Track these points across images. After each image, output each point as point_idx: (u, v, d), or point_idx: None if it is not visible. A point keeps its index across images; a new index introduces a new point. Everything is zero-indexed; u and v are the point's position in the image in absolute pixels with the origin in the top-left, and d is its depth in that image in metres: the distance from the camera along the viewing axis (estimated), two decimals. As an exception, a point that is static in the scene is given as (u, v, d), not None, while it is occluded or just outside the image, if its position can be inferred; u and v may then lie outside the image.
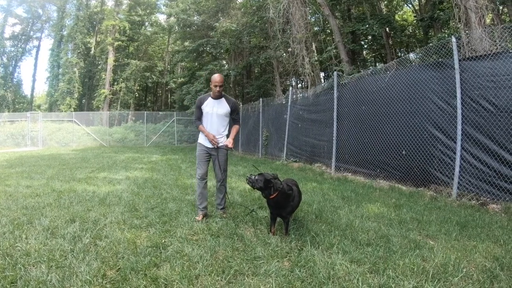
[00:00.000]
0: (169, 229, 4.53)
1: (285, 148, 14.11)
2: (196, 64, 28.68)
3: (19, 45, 45.85)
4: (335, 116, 10.56)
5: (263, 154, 16.61)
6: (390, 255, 3.66)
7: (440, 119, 7.21)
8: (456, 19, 9.07)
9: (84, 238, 4.09)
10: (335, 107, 10.61)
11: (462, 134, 6.66)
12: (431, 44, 9.13)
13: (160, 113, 36.76)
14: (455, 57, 6.84)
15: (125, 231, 4.39)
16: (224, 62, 26.46)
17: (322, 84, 12.67)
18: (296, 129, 13.49)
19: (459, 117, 6.69)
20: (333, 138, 10.57)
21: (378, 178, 8.81)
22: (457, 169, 6.71)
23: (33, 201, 6.18)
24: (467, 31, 8.38)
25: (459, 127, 6.69)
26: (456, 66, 6.79)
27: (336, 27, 16.67)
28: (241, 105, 25.84)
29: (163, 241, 4.07)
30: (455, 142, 6.80)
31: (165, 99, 49.82)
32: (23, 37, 46.09)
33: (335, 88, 10.64)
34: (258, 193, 7.03)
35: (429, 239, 4.27)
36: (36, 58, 48.21)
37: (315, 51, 17.50)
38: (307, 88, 15.95)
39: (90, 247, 3.85)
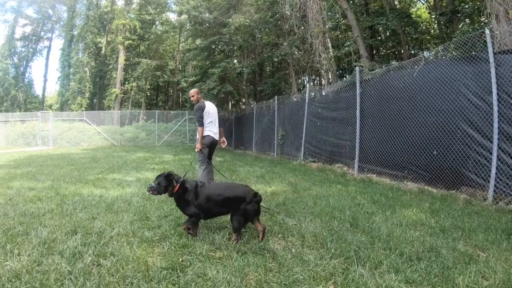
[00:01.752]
0: (187, 243, 3.84)
1: (302, 148, 13.40)
2: (208, 62, 28.12)
3: (30, 46, 46.23)
4: (358, 114, 9.85)
5: (278, 154, 15.91)
6: (445, 272, 3.16)
7: (474, 116, 6.58)
8: (486, 12, 8.40)
9: (85, 255, 3.43)
10: (358, 104, 9.90)
11: (498, 133, 6.06)
12: (455, 38, 8.44)
13: (172, 112, 36.29)
14: (490, 50, 6.26)
15: (135, 246, 3.71)
16: (236, 61, 25.80)
17: (344, 80, 11.93)
18: (314, 127, 12.77)
19: (495, 114, 6.09)
20: (356, 137, 9.85)
21: (405, 180, 8.11)
22: (493, 170, 6.08)
23: (33, 207, 5.60)
24: (497, 24, 7.71)
25: (495, 125, 6.08)
26: (491, 59, 6.20)
27: (354, 21, 15.96)
28: (254, 104, 25.37)
29: (180, 260, 3.38)
30: (491, 142, 6.20)
31: (177, 98, 49.51)
32: (34, 37, 46.37)
33: (357, 84, 9.95)
34: (282, 197, 6.41)
35: (479, 251, 3.78)
36: (47, 58, 48.20)
37: (329, 47, 16.73)
38: (323, 85, 15.33)
39: (92, 268, 3.18)
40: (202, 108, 6.68)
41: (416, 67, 8.37)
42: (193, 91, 7.01)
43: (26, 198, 6.35)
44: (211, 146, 6.89)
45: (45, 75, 48.48)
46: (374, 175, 9.14)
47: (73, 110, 34.68)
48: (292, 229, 4.46)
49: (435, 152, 7.36)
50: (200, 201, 4.12)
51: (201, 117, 6.64)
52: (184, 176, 4.44)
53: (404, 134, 8.19)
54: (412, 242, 3.93)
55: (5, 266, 3.19)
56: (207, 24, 26.50)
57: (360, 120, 9.82)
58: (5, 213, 5.22)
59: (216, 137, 6.93)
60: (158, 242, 3.89)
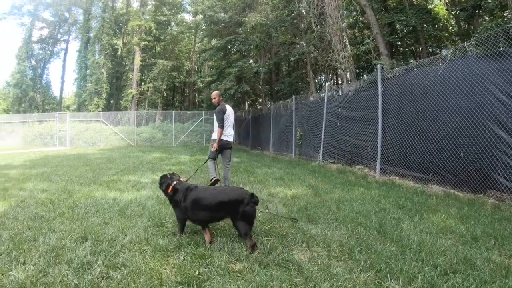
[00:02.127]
0: (204, 253, 3.54)
1: (321, 148, 13.01)
2: (224, 62, 27.94)
3: (47, 48, 47.10)
4: (379, 113, 9.41)
5: (296, 155, 15.54)
6: (484, 287, 2.90)
7: (504, 116, 6.11)
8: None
9: (95, 265, 3.15)
10: (379, 103, 9.46)
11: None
12: (478, 34, 7.97)
13: (188, 112, 36.14)
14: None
15: (148, 256, 3.42)
16: (251, 61, 25.51)
17: (364, 78, 11.52)
18: (334, 127, 12.37)
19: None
20: (378, 137, 9.40)
21: (430, 182, 7.67)
22: (524, 173, 5.62)
23: (44, 210, 5.41)
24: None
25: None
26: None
27: (374, 18, 15.48)
28: (270, 104, 25.06)
29: (197, 272, 3.07)
30: (522, 143, 5.73)
31: (193, 98, 49.53)
32: (51, 40, 47.30)
33: (379, 83, 9.51)
34: (303, 202, 6.08)
35: (515, 262, 3.43)
36: (64, 60, 49.08)
37: (348, 45, 16.29)
38: (342, 84, 14.94)
39: (101, 281, 2.90)
40: (223, 111, 7.07)
41: (440, 64, 7.94)
42: (215, 93, 7.49)
43: (38, 200, 6.16)
44: (223, 148, 7.29)
45: (63, 76, 49.83)
46: (397, 178, 8.70)
47: (90, 111, 34.97)
48: (317, 237, 4.14)
49: (461, 154, 6.91)
50: (187, 205, 4.01)
51: (222, 119, 7.01)
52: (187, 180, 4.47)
53: (429, 135, 7.76)
54: (445, 252, 3.64)
55: (9, 276, 2.98)
56: (222, 24, 26.29)
57: (382, 120, 9.36)
58: (15, 216, 5.04)
59: (230, 139, 7.34)
60: (173, 252, 3.60)
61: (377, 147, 9.38)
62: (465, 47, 7.65)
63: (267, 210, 5.29)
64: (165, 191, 4.29)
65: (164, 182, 4.34)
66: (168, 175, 4.52)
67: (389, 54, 15.77)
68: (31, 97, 41.33)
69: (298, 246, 3.86)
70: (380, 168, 9.29)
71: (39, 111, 39.72)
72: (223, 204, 3.88)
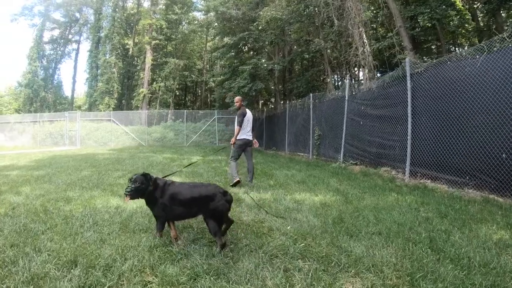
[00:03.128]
0: (225, 286, 2.72)
1: (342, 149, 12.15)
2: (236, 61, 27.27)
3: (58, 48, 47.57)
4: (409, 111, 8.53)
5: (314, 155, 14.71)
6: None
7: None
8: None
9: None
10: (409, 100, 8.58)
11: None
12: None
13: (200, 111, 35.56)
14: None
15: (153, 292, 2.61)
16: (264, 60, 24.76)
17: (390, 74, 10.61)
18: (356, 127, 11.50)
19: None
20: (408, 137, 8.52)
21: (465, 186, 6.85)
22: None
23: (36, 220, 4.65)
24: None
25: None
26: None
27: (397, 11, 14.62)
28: (283, 103, 24.28)
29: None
30: None
31: (205, 98, 49.19)
32: (62, 40, 47.68)
33: (407, 78, 8.63)
34: (335, 211, 5.23)
35: None
36: (75, 61, 49.66)
37: (369, 39, 15.41)
38: (364, 80, 14.09)
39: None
40: (244, 115, 8.00)
41: (478, 56, 7.05)
42: (237, 98, 8.49)
43: (30, 208, 5.41)
44: (244, 145, 8.04)
45: (74, 76, 49.88)
46: (429, 181, 7.83)
47: (101, 111, 34.72)
48: (364, 258, 3.32)
49: (504, 155, 6.11)
50: (165, 200, 3.77)
51: (242, 121, 7.94)
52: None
53: (466, 134, 6.90)
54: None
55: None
56: (235, 21, 25.58)
57: (412, 118, 8.50)
58: (0, 228, 4.31)
59: (250, 137, 8.13)
60: (186, 284, 2.78)
61: (407, 147, 8.52)
62: (505, 37, 6.80)
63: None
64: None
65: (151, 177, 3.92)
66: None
67: (413, 49, 14.86)
68: (43, 97, 41.47)
69: (344, 273, 3.07)
70: (410, 171, 8.41)
71: (50, 111, 39.72)
72: (195, 200, 3.67)
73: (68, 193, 6.69)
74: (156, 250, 3.49)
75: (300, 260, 3.30)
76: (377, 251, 3.51)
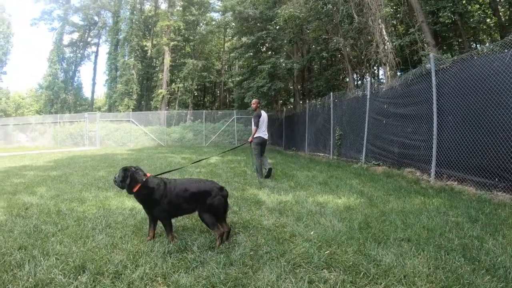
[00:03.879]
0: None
1: (364, 149, 11.76)
2: (255, 61, 27.08)
3: (77, 51, 49.11)
4: (434, 109, 8.08)
5: (335, 156, 14.35)
6: None
7: None
8: None
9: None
10: (434, 97, 8.13)
11: None
12: None
13: (219, 112, 35.56)
14: None
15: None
16: (282, 60, 24.50)
17: (414, 71, 10.18)
18: (378, 126, 11.10)
19: None
20: (433, 136, 8.07)
21: (494, 189, 6.40)
22: None
23: (47, 221, 4.53)
24: None
25: None
26: None
27: (418, 5, 14.11)
28: (302, 103, 23.95)
29: None
30: None
31: (224, 99, 49.26)
32: (81, 43, 49.23)
33: (432, 75, 8.19)
34: (361, 215, 4.93)
35: None
36: (95, 63, 50.90)
37: (387, 38, 14.94)
38: (387, 78, 13.68)
39: None
40: (260, 116, 8.87)
41: (506, 51, 6.62)
42: (254, 100, 9.55)
43: (43, 208, 5.31)
44: (262, 144, 9.02)
45: (94, 78, 50.85)
46: (455, 183, 7.39)
47: (120, 111, 35.09)
48: (394, 268, 3.02)
49: None
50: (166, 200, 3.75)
51: (258, 122, 8.84)
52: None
53: (495, 133, 6.44)
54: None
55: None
56: (252, 20, 25.41)
57: (438, 116, 8.06)
58: (11, 229, 4.21)
59: (266, 136, 9.15)
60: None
61: (432, 147, 8.08)
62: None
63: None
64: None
65: (132, 175, 3.75)
66: (134, 167, 3.88)
67: (435, 45, 14.35)
68: (63, 98, 42.47)
69: (374, 285, 2.77)
70: (436, 172, 8.00)
71: (71, 112, 40.53)
72: (193, 195, 3.75)
73: (83, 193, 6.58)
74: (170, 257, 3.26)
75: (325, 270, 3.03)
76: (407, 260, 3.21)
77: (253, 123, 9.11)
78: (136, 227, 4.28)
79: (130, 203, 5.60)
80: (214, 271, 2.94)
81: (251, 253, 3.40)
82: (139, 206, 5.32)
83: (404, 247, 3.56)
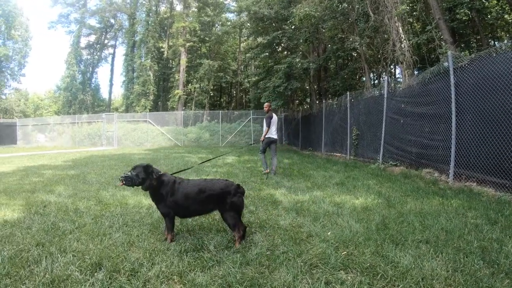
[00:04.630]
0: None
1: (381, 149, 11.60)
2: (271, 61, 27.05)
3: (94, 53, 50.39)
4: (453, 108, 7.88)
5: (351, 156, 14.21)
6: None
7: None
8: None
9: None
10: (452, 96, 7.93)
11: None
12: None
13: (236, 112, 35.62)
14: None
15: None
16: (298, 60, 24.39)
17: (430, 69, 9.97)
18: (396, 126, 10.93)
19: None
20: (452, 136, 7.86)
21: None
22: None
23: (65, 219, 4.58)
24: None
25: None
26: None
27: (434, 2, 13.80)
28: (318, 103, 23.80)
29: None
30: None
31: (240, 99, 49.35)
32: (98, 45, 50.44)
33: (451, 73, 7.99)
34: (378, 215, 4.84)
35: None
36: (112, 64, 51.68)
37: (404, 36, 14.68)
38: (404, 76, 13.47)
39: None
40: (271, 118, 9.86)
41: None
42: (266, 104, 10.30)
43: (61, 206, 5.39)
44: (269, 142, 9.90)
45: (111, 79, 51.53)
46: (474, 184, 7.20)
47: (137, 112, 35.53)
48: (412, 271, 2.95)
49: None
50: (176, 198, 3.72)
51: (269, 123, 9.82)
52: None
53: None
54: None
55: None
56: (268, 20, 25.37)
57: (456, 115, 7.84)
58: (29, 226, 4.27)
59: (275, 136, 9.98)
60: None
61: (451, 147, 7.87)
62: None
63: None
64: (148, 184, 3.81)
65: (154, 170, 3.85)
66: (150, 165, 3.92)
67: (453, 42, 14.04)
68: (81, 99, 43.47)
69: (392, 287, 2.70)
70: (454, 172, 7.80)
71: (88, 113, 41.24)
72: (211, 196, 3.71)
73: (101, 192, 6.65)
74: (186, 255, 3.25)
75: (342, 271, 2.97)
76: (425, 262, 3.14)
77: (264, 124, 10.11)
78: (153, 225, 4.30)
79: (147, 201, 5.61)
80: (230, 270, 2.91)
81: (267, 253, 3.37)
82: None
83: (422, 249, 3.49)
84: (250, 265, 3.03)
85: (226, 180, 3.95)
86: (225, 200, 3.62)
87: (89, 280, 2.72)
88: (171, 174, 4.02)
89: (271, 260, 3.17)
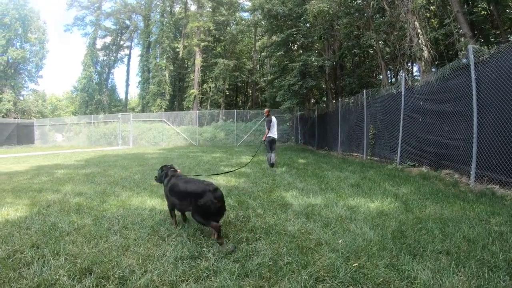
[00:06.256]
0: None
1: (399, 149, 11.19)
2: (286, 59, 26.77)
3: (111, 54, 51.32)
4: (474, 106, 7.42)
5: (368, 156, 13.83)
6: None
7: None
8: None
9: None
10: (473, 93, 7.47)
11: None
12: None
13: (251, 111, 35.41)
14: None
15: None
16: (313, 58, 24.07)
17: (449, 64, 9.52)
18: (414, 124, 10.49)
19: None
20: (473, 135, 7.40)
21: None
22: None
23: (65, 220, 4.49)
24: None
25: None
26: None
27: (453, -6, 13.30)
28: (334, 101, 23.45)
29: None
30: None
31: (256, 98, 49.19)
32: (114, 47, 51.31)
33: (471, 68, 7.51)
34: (395, 222, 4.54)
35: None
36: (128, 65, 52.87)
37: (421, 31, 14.20)
38: (421, 73, 13.06)
39: None
40: (270, 121, 11.29)
41: None
42: (266, 109, 11.96)
43: (64, 206, 5.31)
44: (271, 142, 11.28)
45: (127, 80, 52.69)
46: (497, 186, 6.77)
47: (153, 112, 35.78)
48: (429, 286, 2.69)
49: None
50: (167, 191, 4.29)
51: (269, 126, 11.30)
52: None
53: None
54: None
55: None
56: (282, 18, 25.10)
57: (478, 113, 7.38)
58: (28, 226, 4.22)
59: (274, 136, 11.38)
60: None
61: (472, 148, 7.41)
62: None
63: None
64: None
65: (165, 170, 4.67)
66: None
67: (472, 36, 13.49)
68: (98, 100, 44.23)
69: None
70: (476, 174, 7.38)
71: (105, 113, 41.82)
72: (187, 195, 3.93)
73: (107, 192, 6.57)
74: (182, 263, 3.04)
75: (351, 287, 2.71)
76: (446, 277, 2.85)
77: (266, 126, 11.60)
78: (152, 229, 4.11)
79: (151, 203, 5.48)
80: (227, 282, 2.69)
81: (270, 263, 3.11)
82: (159, 207, 5.19)
83: (442, 262, 3.19)
84: (249, 277, 2.79)
85: (208, 182, 3.98)
86: (196, 202, 3.74)
87: (75, 286, 2.58)
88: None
89: (272, 272, 2.93)
